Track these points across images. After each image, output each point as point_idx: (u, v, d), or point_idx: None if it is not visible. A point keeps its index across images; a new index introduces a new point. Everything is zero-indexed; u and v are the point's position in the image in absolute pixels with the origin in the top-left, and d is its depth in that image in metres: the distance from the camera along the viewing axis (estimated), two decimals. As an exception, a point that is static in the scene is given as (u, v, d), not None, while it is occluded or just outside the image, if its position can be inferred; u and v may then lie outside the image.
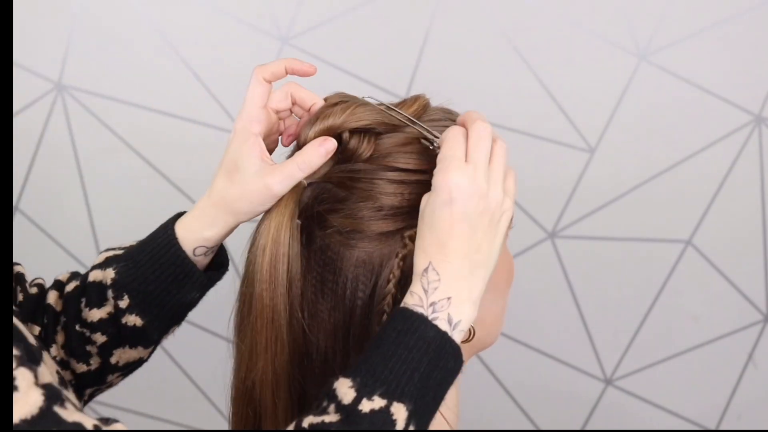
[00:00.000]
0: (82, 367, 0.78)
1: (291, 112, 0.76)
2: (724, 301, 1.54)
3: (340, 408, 0.59)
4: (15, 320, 0.61)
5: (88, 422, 0.56)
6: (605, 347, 1.56)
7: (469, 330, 0.66)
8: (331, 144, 0.69)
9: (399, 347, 0.61)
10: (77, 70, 1.39)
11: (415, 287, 0.64)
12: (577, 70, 1.45)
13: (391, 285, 0.67)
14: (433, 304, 0.63)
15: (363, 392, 0.59)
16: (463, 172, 0.64)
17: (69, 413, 0.56)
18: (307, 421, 0.60)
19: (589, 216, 1.50)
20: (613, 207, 1.49)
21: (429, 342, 0.61)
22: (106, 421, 0.58)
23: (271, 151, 0.76)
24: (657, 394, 1.58)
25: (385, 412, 0.59)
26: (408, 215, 0.68)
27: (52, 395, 0.56)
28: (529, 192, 1.42)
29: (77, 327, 0.77)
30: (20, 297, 0.78)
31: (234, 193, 0.71)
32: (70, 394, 0.67)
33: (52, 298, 0.79)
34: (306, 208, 0.70)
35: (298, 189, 0.69)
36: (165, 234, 0.75)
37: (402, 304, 0.64)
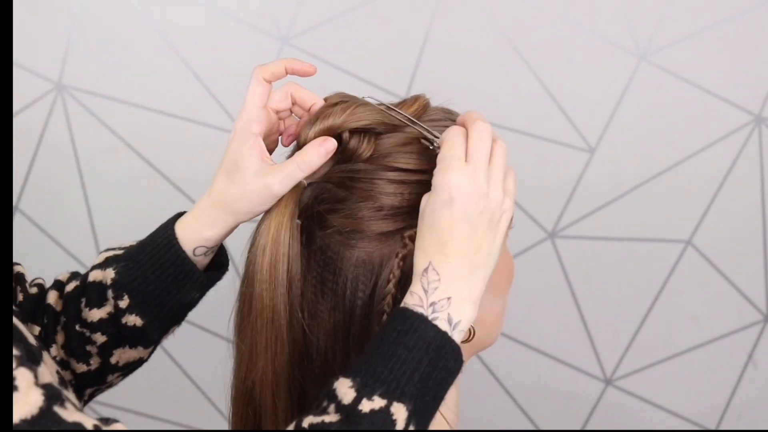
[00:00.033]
0: (82, 367, 0.78)
1: (291, 112, 0.76)
2: (724, 301, 1.54)
3: (340, 408, 0.59)
4: (15, 320, 0.61)
5: (88, 422, 0.56)
6: (605, 347, 1.56)
7: (469, 330, 0.66)
8: (331, 144, 0.69)
9: (399, 347, 0.61)
10: (77, 70, 1.39)
11: (415, 287, 0.64)
12: (577, 70, 1.45)
13: (391, 285, 0.67)
14: (433, 304, 0.63)
15: (363, 392, 0.59)
16: (463, 172, 0.64)
17: (69, 413, 0.56)
18: (307, 421, 0.60)
19: (589, 216, 1.50)
20: (613, 207, 1.49)
21: (429, 342, 0.61)
22: (106, 421, 0.58)
23: (271, 151, 0.76)
24: (657, 394, 1.58)
25: (385, 412, 0.59)
26: (408, 215, 0.68)
27: (52, 395, 0.56)
28: (529, 192, 1.42)
29: (77, 327, 0.77)
30: (20, 297, 0.78)
31: (234, 193, 0.71)
32: (70, 394, 0.67)
33: (52, 298, 0.79)
34: (306, 208, 0.70)
35: (298, 189, 0.69)
36: (165, 234, 0.75)
37: (402, 304, 0.64)
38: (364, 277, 0.68)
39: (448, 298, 0.63)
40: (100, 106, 1.41)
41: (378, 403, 0.59)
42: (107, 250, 0.79)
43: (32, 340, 0.64)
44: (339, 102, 0.72)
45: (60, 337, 0.78)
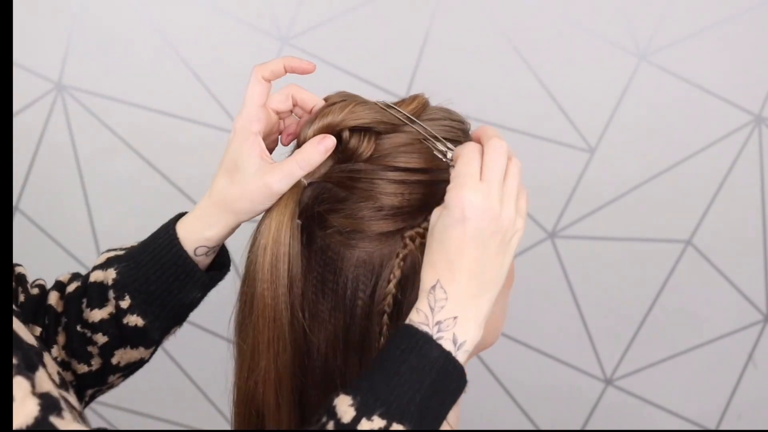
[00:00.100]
0: (83, 368, 0.78)
1: (292, 113, 0.76)
2: (724, 301, 1.54)
3: (339, 426, 0.59)
4: (15, 323, 0.61)
5: None
6: (605, 347, 1.56)
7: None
8: (330, 141, 0.69)
9: (402, 366, 0.61)
10: (77, 70, 1.39)
11: (422, 304, 0.63)
12: (577, 70, 1.45)
13: (391, 285, 0.67)
14: (438, 323, 0.62)
15: (363, 411, 0.59)
16: (478, 191, 0.63)
17: (65, 423, 0.56)
18: None
19: (589, 216, 1.50)
20: (613, 207, 1.49)
21: (432, 362, 0.61)
22: None
23: (271, 150, 0.76)
24: (657, 394, 1.58)
25: None
26: (408, 215, 0.68)
27: (48, 405, 0.56)
28: (529, 192, 1.42)
29: (78, 327, 0.77)
30: (22, 298, 0.78)
31: (234, 193, 0.71)
32: (70, 396, 0.67)
33: (53, 298, 0.79)
34: (306, 208, 0.70)
35: (298, 189, 0.69)
36: (166, 234, 0.75)
37: (407, 321, 0.63)
38: (365, 277, 0.68)
39: (455, 318, 0.62)
40: (100, 106, 1.41)
41: (377, 423, 0.59)
42: (108, 250, 0.79)
43: (33, 341, 0.64)
44: (339, 101, 0.72)
45: (61, 338, 0.78)
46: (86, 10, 1.37)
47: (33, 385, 0.56)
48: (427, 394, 0.60)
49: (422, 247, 0.67)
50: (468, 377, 0.63)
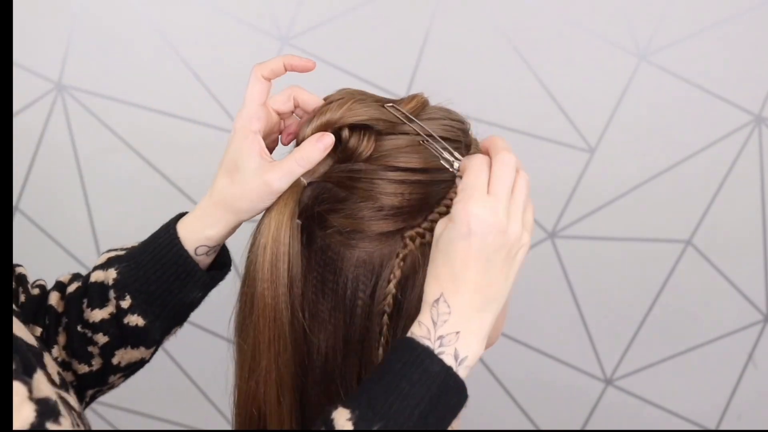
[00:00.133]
0: (83, 368, 0.78)
1: (293, 113, 0.76)
2: (724, 301, 1.54)
3: None
4: (14, 324, 0.61)
5: None
6: (605, 347, 1.56)
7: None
8: (328, 139, 0.69)
9: (402, 380, 0.60)
10: (77, 70, 1.39)
11: (424, 317, 0.63)
12: (577, 70, 1.45)
13: (391, 285, 0.67)
14: (441, 337, 0.62)
15: (360, 426, 0.59)
16: (484, 205, 0.62)
17: (62, 429, 0.55)
18: None
19: (589, 216, 1.50)
20: (613, 207, 1.49)
21: (433, 377, 0.61)
22: None
23: (271, 150, 0.75)
24: (657, 394, 1.58)
25: None
26: (408, 215, 0.68)
27: (45, 411, 0.55)
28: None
29: (79, 328, 0.77)
30: (22, 298, 0.78)
31: (234, 193, 0.71)
32: (70, 397, 0.67)
33: (53, 299, 0.79)
34: (306, 208, 0.70)
35: (297, 188, 0.69)
36: (167, 234, 0.75)
37: (409, 334, 0.63)
38: (365, 277, 0.68)
39: (457, 333, 0.62)
40: (100, 106, 1.41)
41: None
42: (109, 250, 0.79)
43: (33, 342, 0.64)
44: (338, 98, 0.72)
45: (62, 338, 0.78)
46: (86, 10, 1.37)
47: (30, 390, 0.56)
48: (426, 410, 0.60)
49: (422, 247, 0.67)
50: (468, 382, 0.63)
